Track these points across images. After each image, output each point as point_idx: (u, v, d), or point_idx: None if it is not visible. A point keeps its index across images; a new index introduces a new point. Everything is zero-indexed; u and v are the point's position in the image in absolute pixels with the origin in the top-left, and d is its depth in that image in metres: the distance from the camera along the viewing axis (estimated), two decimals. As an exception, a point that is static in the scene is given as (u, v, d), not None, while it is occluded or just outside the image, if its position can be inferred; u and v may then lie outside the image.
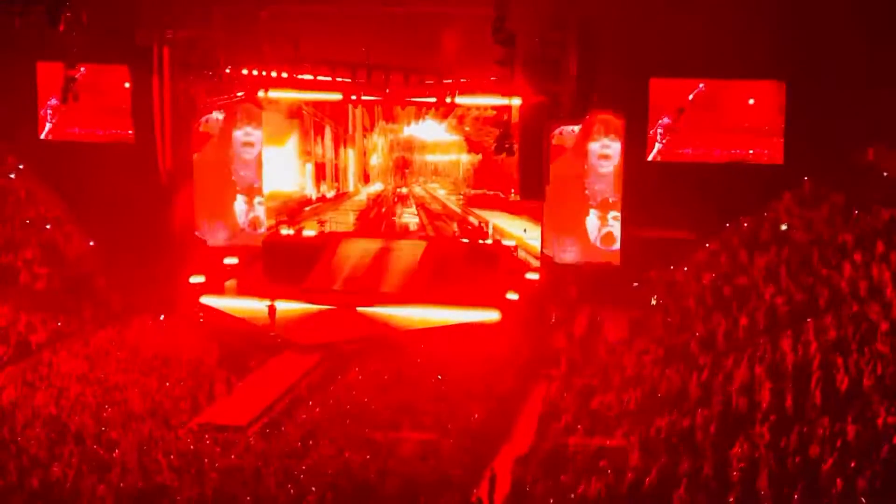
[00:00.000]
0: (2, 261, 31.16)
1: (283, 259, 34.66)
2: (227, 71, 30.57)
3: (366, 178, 37.03)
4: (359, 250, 35.00)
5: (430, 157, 36.64)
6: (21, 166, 35.37)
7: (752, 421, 17.58)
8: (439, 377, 25.29)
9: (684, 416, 18.65)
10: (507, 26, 22.41)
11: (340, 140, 37.12)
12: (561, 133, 31.32)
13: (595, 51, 24.42)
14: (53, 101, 36.21)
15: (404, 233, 36.68)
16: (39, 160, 36.15)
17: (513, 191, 34.95)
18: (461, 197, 37.21)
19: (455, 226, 36.00)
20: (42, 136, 37.58)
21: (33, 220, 33.39)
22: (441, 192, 37.25)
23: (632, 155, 34.25)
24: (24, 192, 34.46)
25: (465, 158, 36.10)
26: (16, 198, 33.96)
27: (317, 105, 36.38)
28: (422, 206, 37.05)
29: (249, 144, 36.76)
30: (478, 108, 34.37)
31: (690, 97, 33.47)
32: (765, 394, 18.23)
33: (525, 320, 30.28)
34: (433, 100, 33.58)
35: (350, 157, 37.09)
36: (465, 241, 34.89)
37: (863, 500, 14.47)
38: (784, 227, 28.07)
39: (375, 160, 36.92)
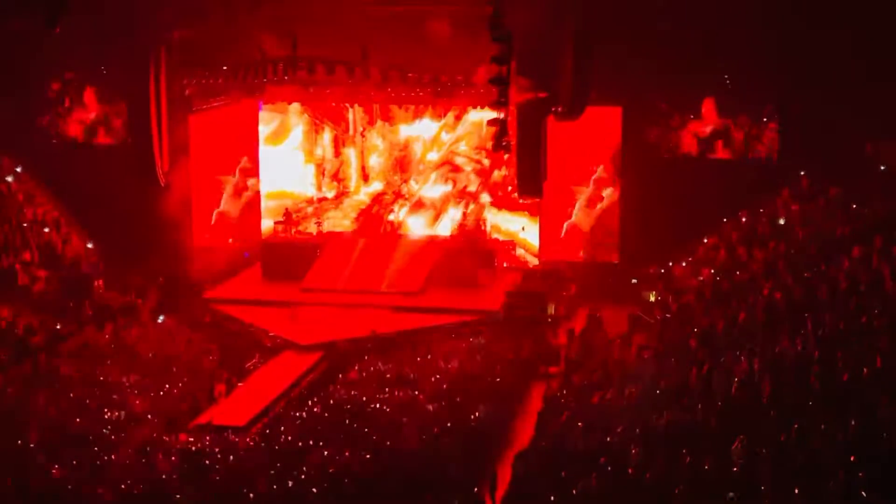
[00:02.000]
0: (0, 263, 31.16)
1: (281, 259, 34.68)
2: (224, 69, 30.52)
3: (365, 178, 36.95)
4: (357, 249, 35.00)
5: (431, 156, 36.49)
6: (19, 169, 35.35)
7: (752, 415, 17.59)
8: (438, 376, 25.30)
9: (684, 412, 18.66)
10: (503, 23, 22.36)
11: (340, 140, 37.04)
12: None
13: (592, 46, 24.35)
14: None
15: (402, 232, 36.66)
16: (37, 162, 36.15)
17: (509, 187, 34.92)
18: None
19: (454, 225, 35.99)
20: (39, 139, 37.58)
21: (31, 223, 33.37)
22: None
23: (629, 150, 34.28)
24: (23, 195, 34.45)
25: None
26: (14, 200, 33.95)
27: (315, 105, 36.32)
28: None
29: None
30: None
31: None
32: (764, 388, 18.25)
33: (524, 318, 30.26)
34: (430, 99, 33.48)
35: (350, 156, 37.01)
36: (464, 239, 34.85)
37: (863, 492, 14.47)
38: (782, 222, 28.10)
39: (375, 160, 36.82)
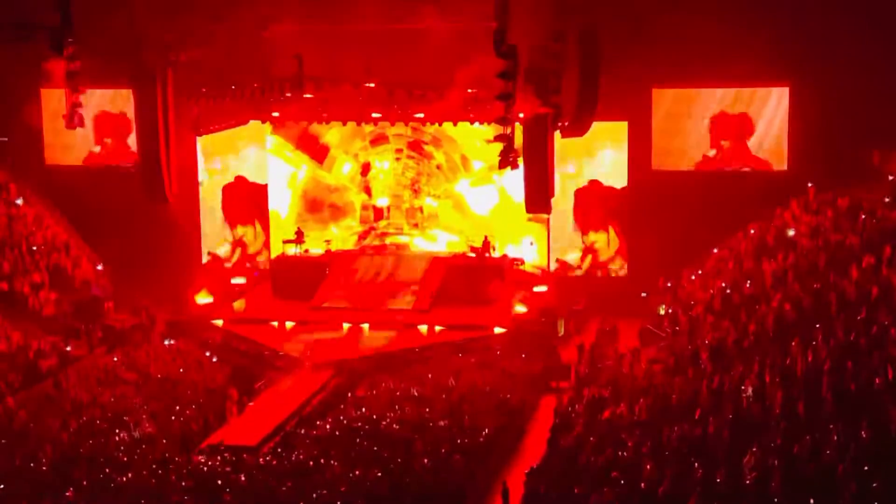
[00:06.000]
0: (11, 287, 31.26)
1: (290, 278, 34.73)
2: (231, 89, 30.64)
3: (368, 192, 36.88)
4: (365, 267, 35.02)
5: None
6: (27, 192, 35.51)
7: (764, 427, 17.55)
8: (448, 392, 25.27)
9: (696, 425, 18.62)
10: (508, 39, 22.38)
11: (343, 154, 36.98)
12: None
13: (597, 61, 24.41)
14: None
15: (410, 249, 36.64)
16: (46, 185, 36.33)
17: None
18: None
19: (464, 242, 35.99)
20: (48, 162, 37.77)
21: (41, 246, 33.48)
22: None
23: (636, 164, 34.30)
24: (32, 218, 34.58)
25: None
26: (23, 224, 34.07)
27: (319, 120, 36.24)
28: None
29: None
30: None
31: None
32: (776, 400, 18.20)
33: (534, 333, 30.24)
34: (436, 115, 33.42)
35: (353, 171, 36.91)
36: (472, 254, 34.84)
37: (876, 503, 14.43)
38: (791, 233, 28.05)
39: (381, 175, 36.72)
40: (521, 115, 24.90)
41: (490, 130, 29.53)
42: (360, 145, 36.82)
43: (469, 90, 29.36)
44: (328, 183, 37.31)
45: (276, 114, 34.97)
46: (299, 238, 35.93)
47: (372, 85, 30.59)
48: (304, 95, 31.10)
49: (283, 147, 37.30)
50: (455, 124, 34.34)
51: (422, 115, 33.56)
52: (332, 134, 36.76)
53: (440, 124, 34.82)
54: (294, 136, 37.12)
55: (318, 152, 37.17)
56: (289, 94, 30.75)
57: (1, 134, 36.46)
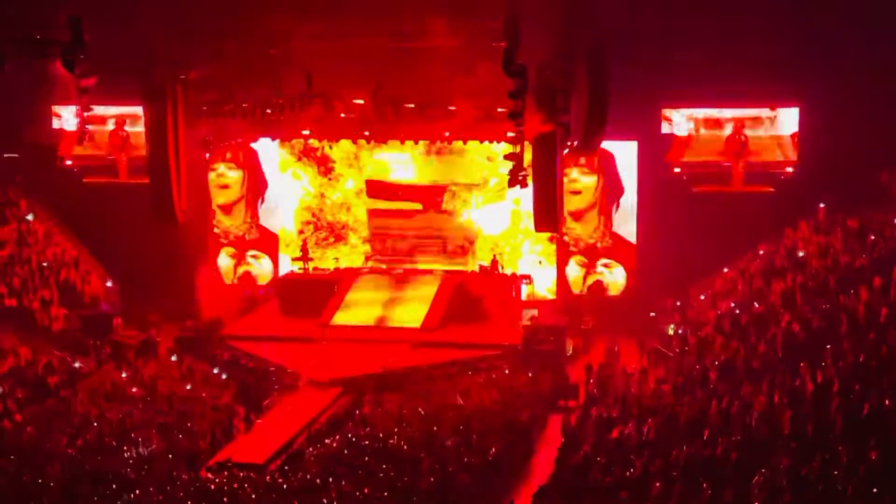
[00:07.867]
0: (20, 303, 31.33)
1: (298, 295, 34.73)
2: (242, 107, 30.72)
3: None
4: (373, 285, 35.01)
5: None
6: (38, 208, 35.61)
7: (773, 448, 17.50)
8: (458, 408, 25.23)
9: (704, 445, 18.57)
10: (517, 58, 22.46)
11: (349, 169, 36.96)
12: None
13: (605, 79, 24.45)
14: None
15: (418, 267, 36.64)
16: (56, 201, 36.42)
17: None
18: None
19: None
20: (58, 178, 37.83)
21: (50, 262, 33.57)
22: None
23: (644, 184, 34.29)
24: (42, 234, 34.68)
25: None
26: (34, 240, 34.17)
27: (329, 138, 36.26)
28: None
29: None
30: None
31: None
32: (785, 420, 18.16)
33: (542, 352, 30.19)
34: (447, 134, 33.43)
35: (359, 186, 36.90)
36: (480, 273, 34.84)
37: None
38: (801, 255, 28.02)
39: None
40: (531, 134, 24.95)
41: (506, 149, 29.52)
42: (367, 156, 36.81)
43: (478, 109, 29.39)
44: (334, 198, 37.33)
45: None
46: (305, 255, 35.96)
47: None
48: (313, 112, 31.15)
49: (288, 161, 37.39)
50: (465, 143, 34.34)
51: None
52: (337, 147, 36.76)
53: (450, 143, 34.85)
54: (298, 151, 37.20)
55: (323, 167, 37.22)
56: (298, 111, 30.78)
57: (12, 150, 36.56)
